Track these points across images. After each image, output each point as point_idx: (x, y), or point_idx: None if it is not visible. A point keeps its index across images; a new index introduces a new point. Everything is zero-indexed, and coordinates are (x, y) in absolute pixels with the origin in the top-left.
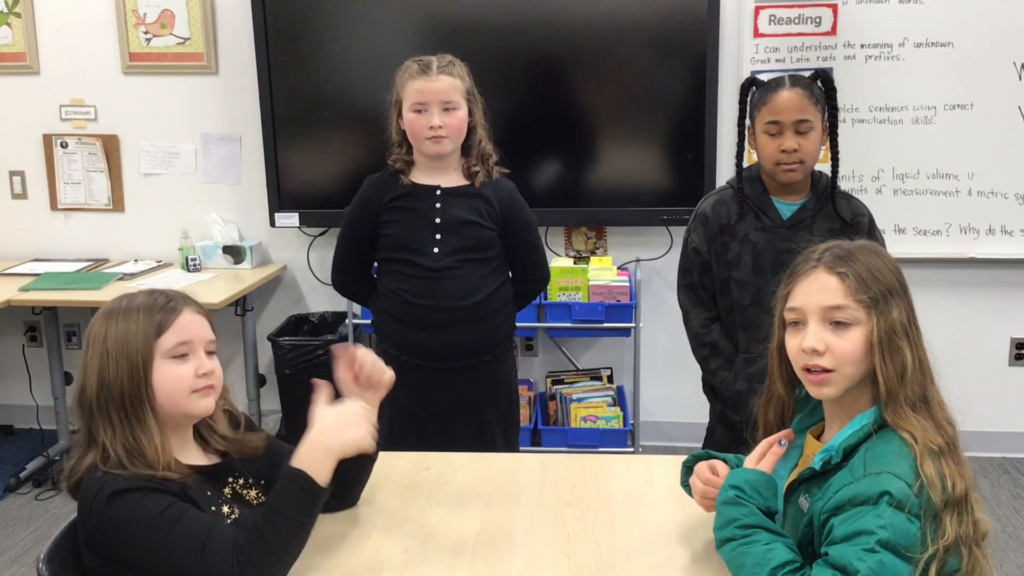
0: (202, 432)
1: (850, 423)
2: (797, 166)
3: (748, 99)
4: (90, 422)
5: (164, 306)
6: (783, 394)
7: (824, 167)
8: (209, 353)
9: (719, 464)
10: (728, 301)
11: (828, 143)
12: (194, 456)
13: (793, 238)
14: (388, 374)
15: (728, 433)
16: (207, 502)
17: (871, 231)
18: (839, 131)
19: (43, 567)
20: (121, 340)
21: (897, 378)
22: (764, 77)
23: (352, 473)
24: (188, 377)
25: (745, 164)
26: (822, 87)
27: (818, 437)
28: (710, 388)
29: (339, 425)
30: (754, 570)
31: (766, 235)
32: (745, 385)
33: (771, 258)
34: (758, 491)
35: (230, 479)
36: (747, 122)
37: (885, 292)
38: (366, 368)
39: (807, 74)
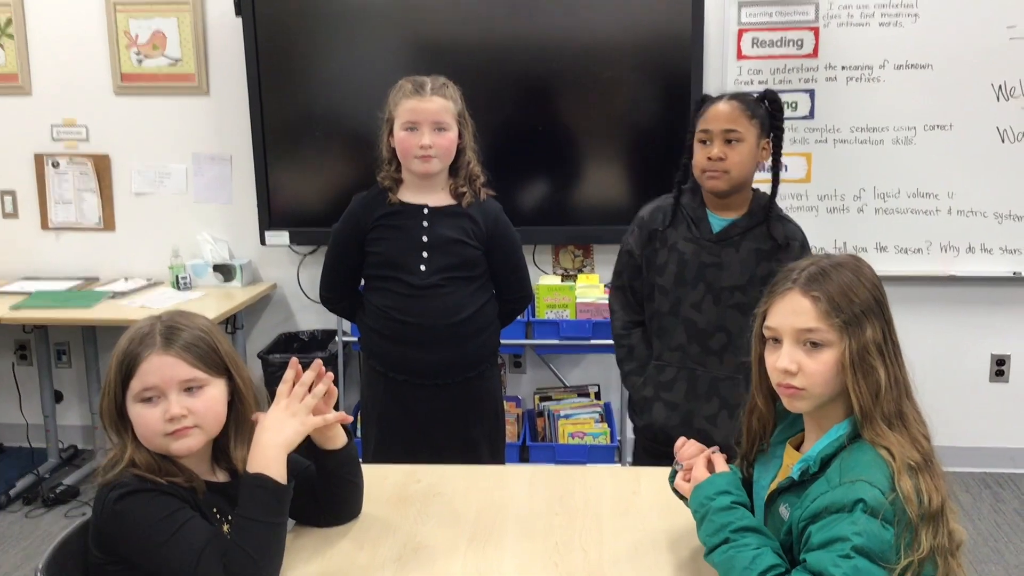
0: (216, 452)
1: (826, 434)
2: (721, 175)
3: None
4: (112, 432)
5: (137, 346)
6: (763, 406)
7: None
8: (191, 389)
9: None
10: (651, 307)
11: (772, 163)
12: (208, 472)
13: (719, 253)
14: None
15: (651, 444)
16: (212, 518)
17: (801, 255)
18: (783, 151)
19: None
20: (106, 376)
21: (871, 397)
22: None
23: (340, 480)
24: (156, 421)
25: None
26: (768, 107)
27: (797, 448)
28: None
29: (277, 423)
30: (742, 573)
31: (693, 246)
32: (652, 391)
33: (694, 269)
34: (741, 491)
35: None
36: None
37: (859, 313)
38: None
39: (785, 96)
